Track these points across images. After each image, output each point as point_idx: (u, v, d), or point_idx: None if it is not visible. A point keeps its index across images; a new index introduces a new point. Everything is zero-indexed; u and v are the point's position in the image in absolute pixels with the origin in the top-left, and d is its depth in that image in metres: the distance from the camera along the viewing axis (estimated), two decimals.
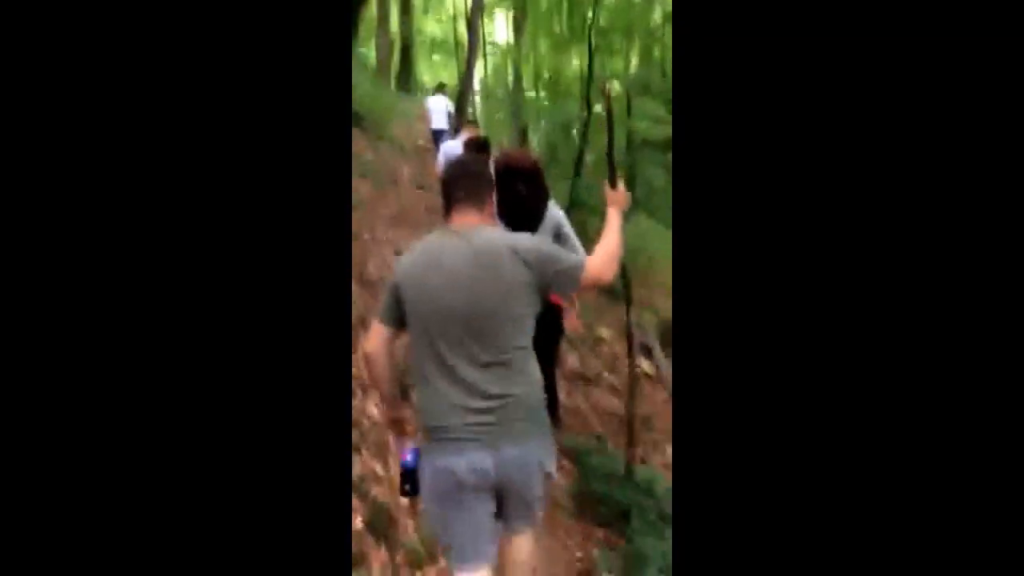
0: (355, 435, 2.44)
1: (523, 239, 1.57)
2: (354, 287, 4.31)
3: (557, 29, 13.16)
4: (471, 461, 1.47)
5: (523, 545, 1.64)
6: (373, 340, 1.61)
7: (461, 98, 14.47)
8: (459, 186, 1.59)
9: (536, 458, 1.54)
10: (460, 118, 5.24)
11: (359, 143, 8.57)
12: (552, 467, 1.61)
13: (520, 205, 2.32)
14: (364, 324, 3.78)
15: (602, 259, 1.58)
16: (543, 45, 15.88)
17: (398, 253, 5.01)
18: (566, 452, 2.91)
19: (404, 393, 1.97)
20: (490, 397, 1.47)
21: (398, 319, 1.57)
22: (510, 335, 1.49)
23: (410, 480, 1.62)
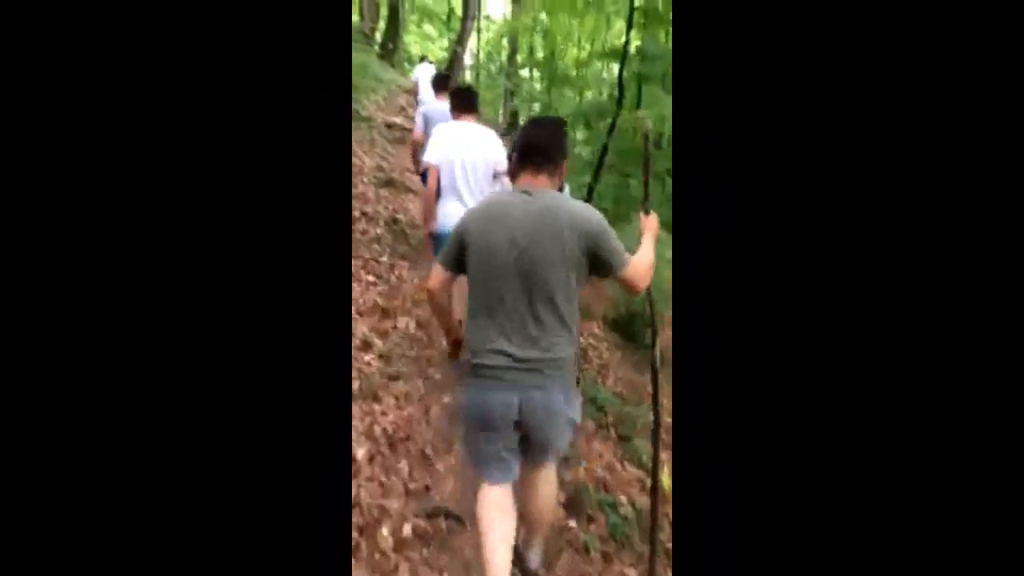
0: None
1: (585, 211, 1.52)
2: None
3: None
4: (500, 398, 1.53)
5: (544, 475, 1.71)
6: (434, 280, 1.66)
7: (451, 67, 12.23)
8: (533, 150, 1.57)
9: (558, 404, 1.55)
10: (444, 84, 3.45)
11: None
12: (575, 414, 1.62)
13: None
14: None
15: (641, 265, 1.58)
16: (545, 19, 13.57)
17: None
18: None
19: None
20: (528, 346, 1.50)
21: (457, 264, 1.60)
22: (557, 295, 1.49)
23: None
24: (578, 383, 1.61)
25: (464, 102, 2.80)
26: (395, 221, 4.53)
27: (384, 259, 3.83)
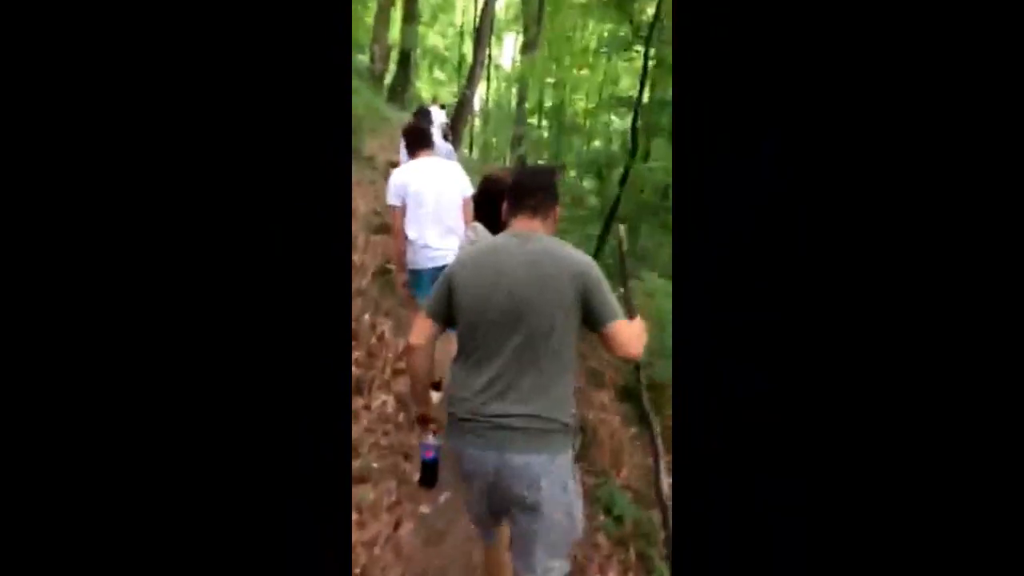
0: None
1: (582, 257, 1.41)
2: None
3: (582, 42, 10.55)
4: (475, 456, 1.37)
5: None
6: (417, 334, 1.46)
7: (459, 111, 11.95)
8: (527, 193, 1.48)
9: (543, 473, 1.32)
10: (456, 133, 3.18)
11: None
12: (570, 490, 1.38)
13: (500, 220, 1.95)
14: None
15: (633, 328, 1.43)
16: (553, 67, 13.48)
17: None
18: None
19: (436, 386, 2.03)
20: (511, 402, 1.33)
21: (445, 316, 1.44)
22: (548, 346, 1.34)
23: (429, 473, 1.60)
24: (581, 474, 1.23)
25: (416, 139, 2.78)
26: (385, 271, 4.00)
27: (366, 317, 3.28)
